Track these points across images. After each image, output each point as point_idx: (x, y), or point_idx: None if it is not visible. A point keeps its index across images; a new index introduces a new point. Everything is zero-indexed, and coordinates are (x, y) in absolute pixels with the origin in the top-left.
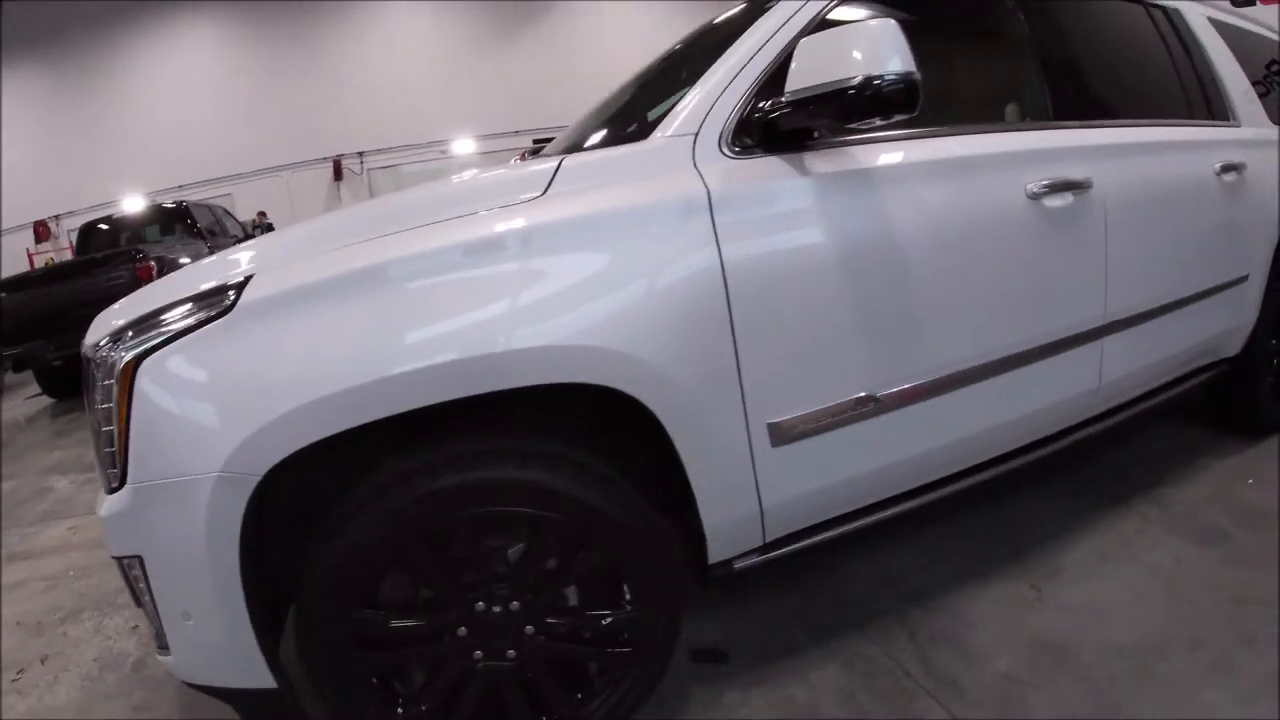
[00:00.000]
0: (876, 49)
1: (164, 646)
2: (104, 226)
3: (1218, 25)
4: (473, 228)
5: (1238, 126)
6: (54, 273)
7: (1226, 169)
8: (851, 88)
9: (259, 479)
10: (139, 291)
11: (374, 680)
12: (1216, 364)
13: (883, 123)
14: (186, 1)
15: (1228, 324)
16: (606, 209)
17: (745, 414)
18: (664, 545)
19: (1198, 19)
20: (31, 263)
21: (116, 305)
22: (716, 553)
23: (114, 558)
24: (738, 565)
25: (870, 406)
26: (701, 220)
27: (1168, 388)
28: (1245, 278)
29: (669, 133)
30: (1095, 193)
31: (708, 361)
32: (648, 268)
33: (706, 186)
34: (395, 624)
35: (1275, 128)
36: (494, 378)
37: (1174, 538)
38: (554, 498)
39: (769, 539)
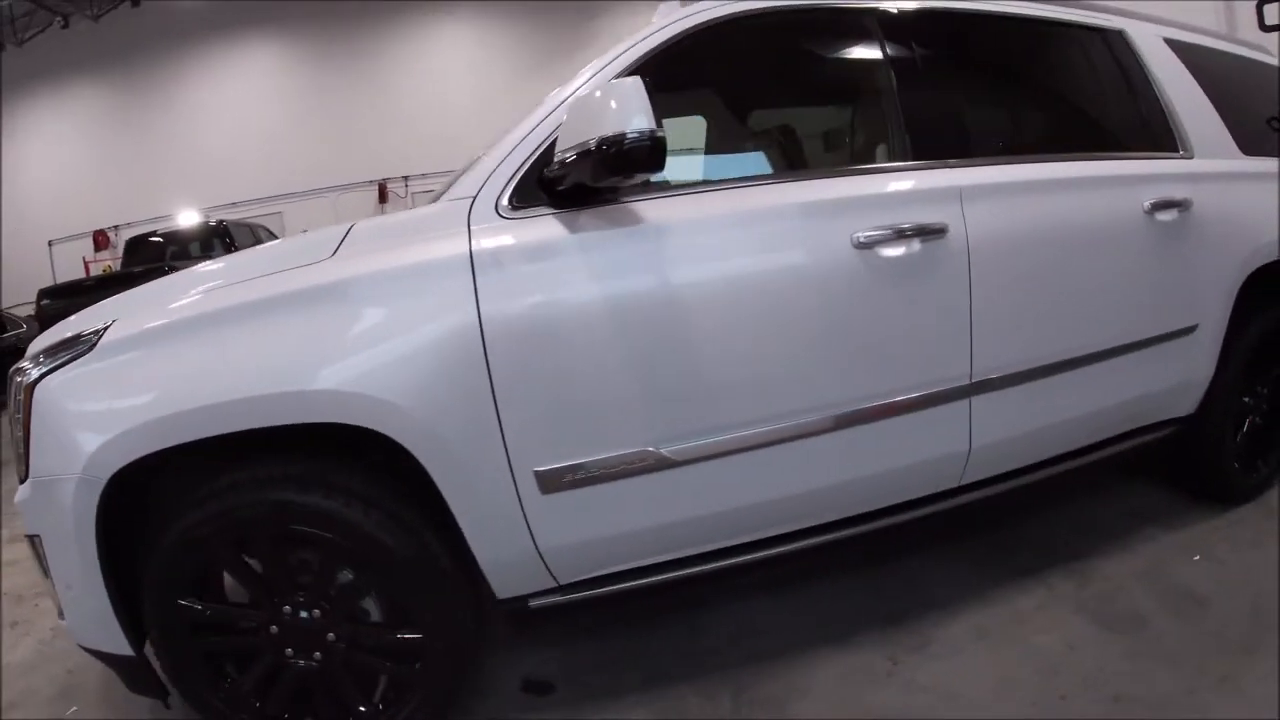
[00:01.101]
0: (622, 108)
1: (61, 614)
2: (156, 239)
3: (1191, 49)
4: (269, 286)
5: (1188, 158)
6: (104, 281)
7: (1162, 206)
8: (591, 148)
9: (105, 481)
10: (58, 324)
11: (203, 660)
12: (1164, 424)
13: (632, 182)
14: (245, 28)
15: (1171, 381)
16: (377, 270)
17: (509, 461)
18: (437, 575)
19: (1149, 43)
20: (87, 270)
21: (43, 334)
22: (503, 589)
23: (26, 535)
24: (534, 604)
25: (651, 461)
26: (462, 279)
27: (1097, 448)
28: (1193, 328)
29: (451, 197)
30: (954, 239)
31: (468, 411)
32: (410, 323)
33: (470, 248)
34: (212, 614)
35: (1244, 159)
36: (268, 415)
37: (1078, 618)
38: (331, 520)
39: (563, 581)
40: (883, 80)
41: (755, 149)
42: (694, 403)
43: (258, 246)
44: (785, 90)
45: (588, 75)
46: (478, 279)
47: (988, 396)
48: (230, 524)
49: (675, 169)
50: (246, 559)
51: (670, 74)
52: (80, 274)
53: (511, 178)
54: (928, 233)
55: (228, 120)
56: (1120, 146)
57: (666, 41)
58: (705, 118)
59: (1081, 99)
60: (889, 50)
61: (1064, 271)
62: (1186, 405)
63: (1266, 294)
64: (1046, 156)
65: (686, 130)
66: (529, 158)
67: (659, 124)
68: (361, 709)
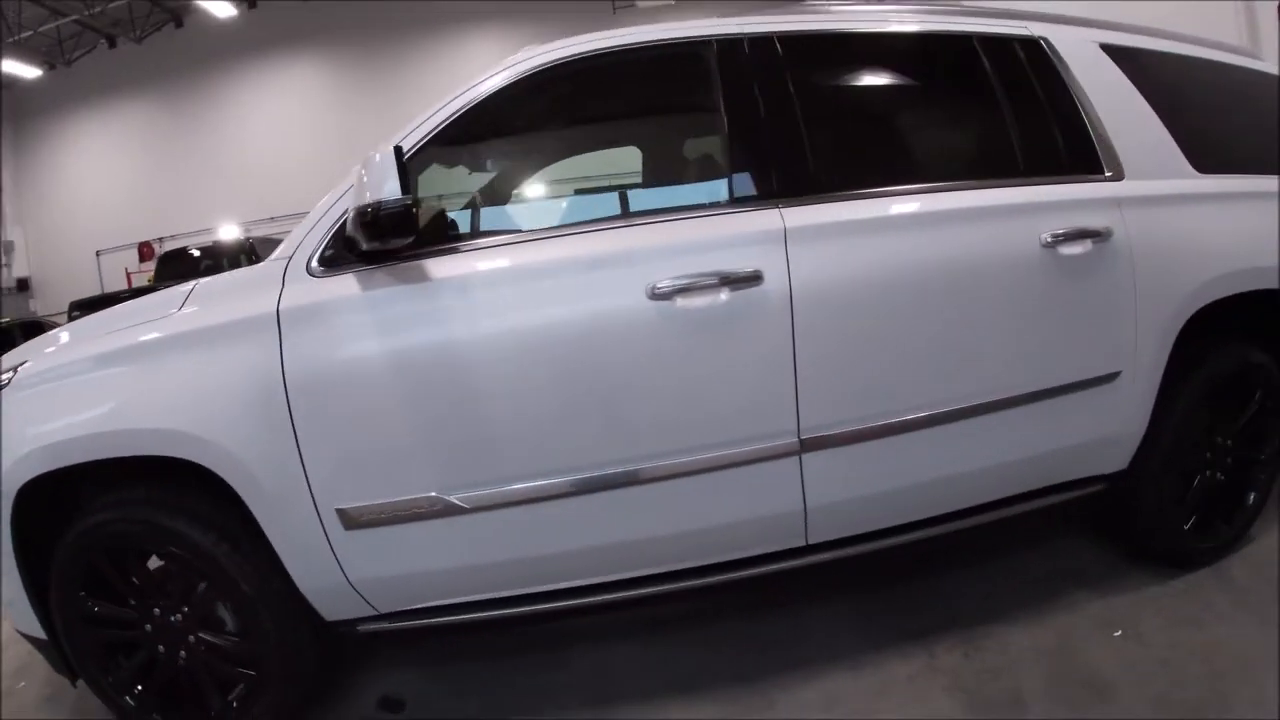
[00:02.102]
0: (375, 177)
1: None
2: (190, 253)
3: (1142, 56)
4: (124, 338)
5: (1115, 180)
6: (137, 293)
7: (1068, 237)
8: (352, 215)
9: (14, 494)
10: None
11: (99, 648)
12: (1090, 480)
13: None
14: (286, 47)
15: (1090, 434)
16: (203, 324)
17: (313, 498)
18: (271, 595)
19: (1078, 50)
20: (129, 281)
21: None
22: (328, 613)
23: None
24: (361, 629)
25: (440, 507)
26: (270, 333)
27: (1007, 504)
28: (1113, 376)
29: (273, 257)
30: (771, 286)
31: (273, 450)
32: (226, 370)
33: (279, 305)
34: (99, 610)
35: (1197, 178)
36: (113, 448)
37: (947, 697)
38: (182, 539)
39: (382, 610)
40: (717, 117)
41: (575, 196)
42: (480, 453)
43: (132, 300)
44: (607, 133)
45: (414, 125)
46: (283, 332)
47: (825, 454)
48: (105, 536)
49: (492, 219)
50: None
51: (487, 124)
52: (123, 284)
53: (324, 238)
54: (736, 281)
55: (269, 136)
56: (1021, 172)
57: (483, 95)
58: (529, 165)
59: (972, 121)
60: (724, 83)
61: (925, 317)
62: (1116, 460)
63: (1222, 334)
64: (913, 189)
65: (503, 180)
66: (339, 220)
67: (409, 189)
68: (219, 706)
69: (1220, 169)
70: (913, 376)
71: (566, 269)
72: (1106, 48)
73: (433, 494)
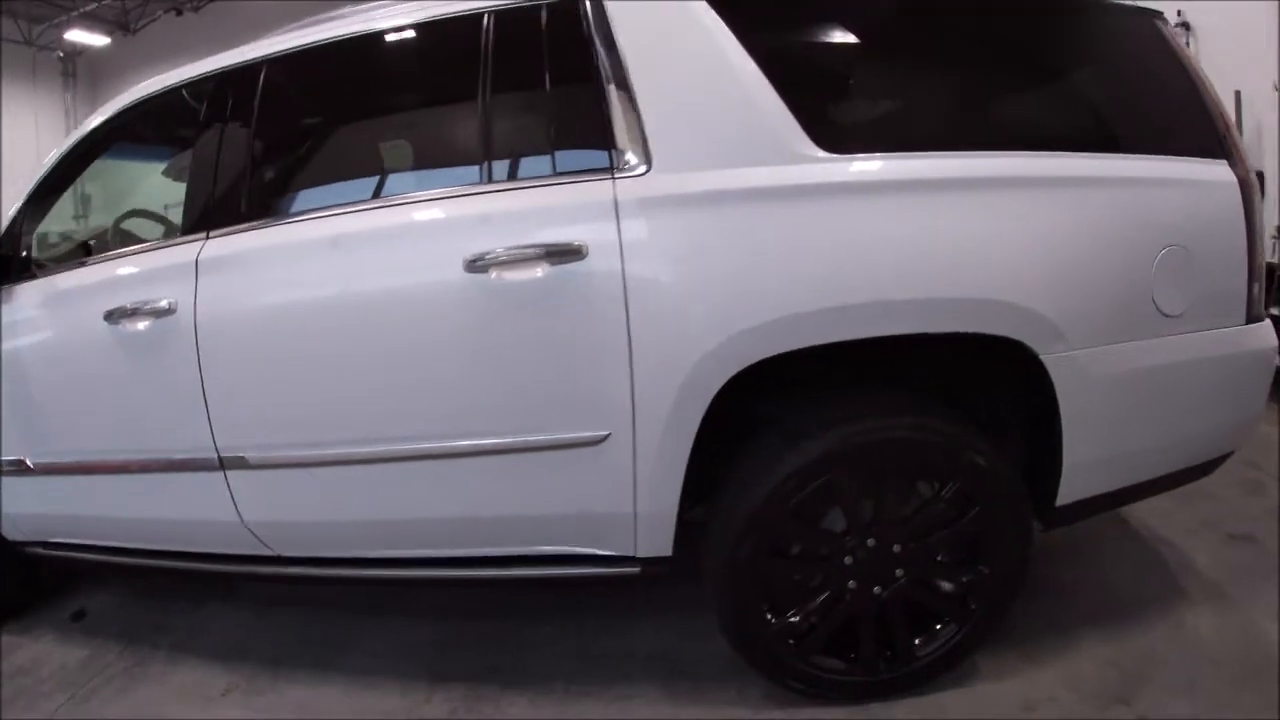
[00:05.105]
0: None
1: None
2: None
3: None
4: None
5: (633, 176)
6: None
7: (505, 261)
8: None
9: None
10: None
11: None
12: (611, 560)
13: None
14: None
15: (574, 505)
16: None
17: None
18: None
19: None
20: None
21: None
22: (10, 534)
23: None
24: (28, 550)
25: (23, 467)
26: None
27: (509, 564)
28: (600, 439)
29: None
30: (182, 317)
31: None
32: None
33: None
34: None
35: (816, 161)
36: None
37: None
38: None
39: (35, 540)
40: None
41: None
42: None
43: None
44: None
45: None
46: None
47: (253, 475)
48: None
49: None
50: None
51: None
52: None
53: None
54: (163, 313)
55: None
56: (502, 178)
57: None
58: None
59: (456, 124)
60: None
61: (322, 350)
62: (625, 542)
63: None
64: (342, 209)
65: None
66: None
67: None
68: None
69: (884, 145)
70: (330, 412)
71: (69, 298)
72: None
73: (18, 458)
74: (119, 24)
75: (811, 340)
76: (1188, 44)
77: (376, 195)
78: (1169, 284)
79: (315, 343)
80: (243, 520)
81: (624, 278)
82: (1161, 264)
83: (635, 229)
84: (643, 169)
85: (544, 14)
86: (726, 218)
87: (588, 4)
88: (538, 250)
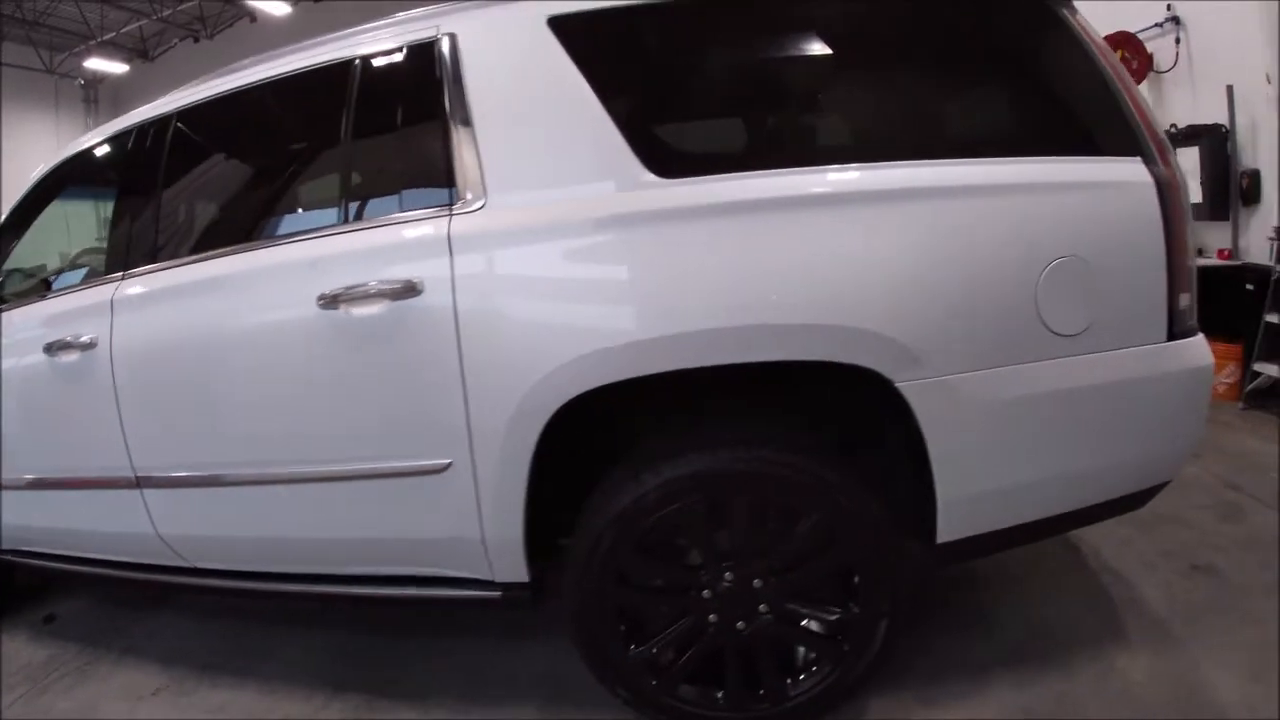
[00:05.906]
0: None
1: None
2: None
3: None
4: None
5: (470, 212)
6: None
7: (356, 297)
8: None
9: None
10: None
11: None
12: (474, 583)
13: None
14: None
15: (429, 530)
16: None
17: None
18: None
19: (494, 40)
20: None
21: None
22: None
23: None
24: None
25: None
26: None
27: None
28: (444, 467)
29: None
30: (101, 350)
31: None
32: None
33: None
34: None
35: (650, 186)
36: None
37: None
38: None
39: (6, 548)
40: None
41: None
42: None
43: None
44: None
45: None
46: None
47: (162, 493)
48: None
49: None
50: None
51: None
52: None
53: None
54: (86, 346)
55: None
56: (350, 219)
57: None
58: None
59: (316, 169)
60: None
61: (203, 381)
62: (480, 566)
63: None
64: (222, 252)
65: None
66: None
67: None
68: None
69: (723, 167)
70: (215, 437)
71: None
72: (556, 21)
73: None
74: (138, 51)
75: (633, 372)
76: (1178, 39)
77: (250, 238)
78: (1061, 300)
79: (197, 374)
80: (158, 533)
81: (456, 312)
82: (1050, 278)
83: (467, 264)
84: (479, 204)
85: (403, 58)
86: (555, 249)
87: (444, 45)
88: (379, 287)
